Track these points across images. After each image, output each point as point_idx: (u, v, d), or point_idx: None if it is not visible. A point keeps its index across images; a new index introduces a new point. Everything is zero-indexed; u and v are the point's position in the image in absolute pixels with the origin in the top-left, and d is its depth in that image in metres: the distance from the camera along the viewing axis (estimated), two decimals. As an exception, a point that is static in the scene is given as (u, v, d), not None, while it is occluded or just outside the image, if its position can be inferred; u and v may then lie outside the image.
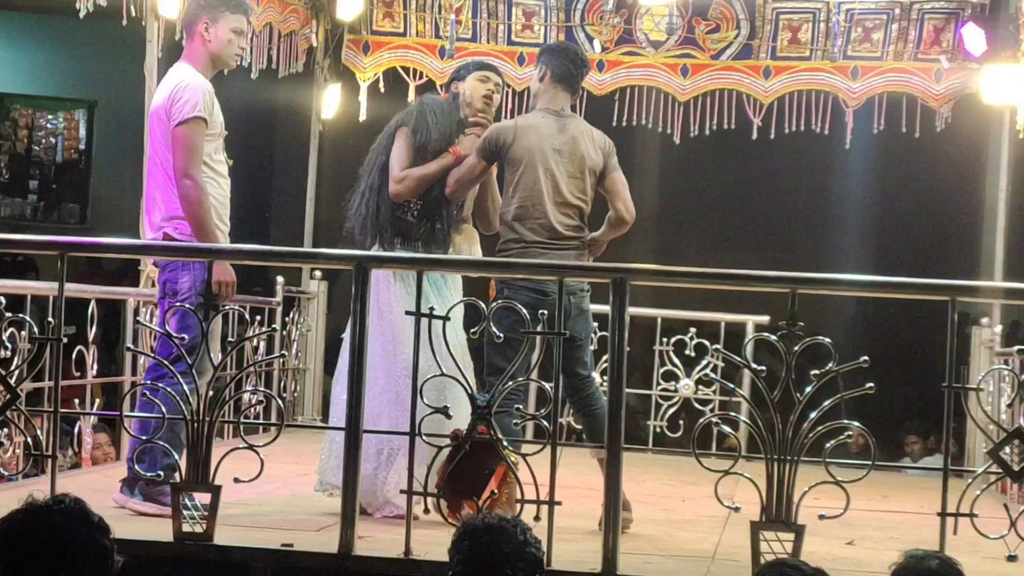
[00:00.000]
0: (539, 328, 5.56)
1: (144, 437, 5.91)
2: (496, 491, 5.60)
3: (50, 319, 5.75)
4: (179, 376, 5.67)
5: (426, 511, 5.54)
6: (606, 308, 5.62)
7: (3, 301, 6.15)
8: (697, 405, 10.00)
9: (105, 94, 15.59)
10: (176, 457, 5.75)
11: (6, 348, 6.59)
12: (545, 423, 5.56)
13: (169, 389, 5.66)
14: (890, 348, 14.76)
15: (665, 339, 10.20)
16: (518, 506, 5.46)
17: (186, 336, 5.84)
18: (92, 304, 7.65)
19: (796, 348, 5.33)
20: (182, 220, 6.46)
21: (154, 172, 6.64)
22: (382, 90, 11.17)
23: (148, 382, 6.03)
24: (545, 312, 5.58)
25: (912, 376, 14.08)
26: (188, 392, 5.59)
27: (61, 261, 5.72)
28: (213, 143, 6.62)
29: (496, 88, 7.25)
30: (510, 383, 5.72)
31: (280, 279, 10.39)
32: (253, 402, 8.61)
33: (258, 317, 9.66)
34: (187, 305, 5.94)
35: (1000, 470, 5.50)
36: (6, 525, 3.21)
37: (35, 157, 17.00)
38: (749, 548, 5.36)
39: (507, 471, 5.63)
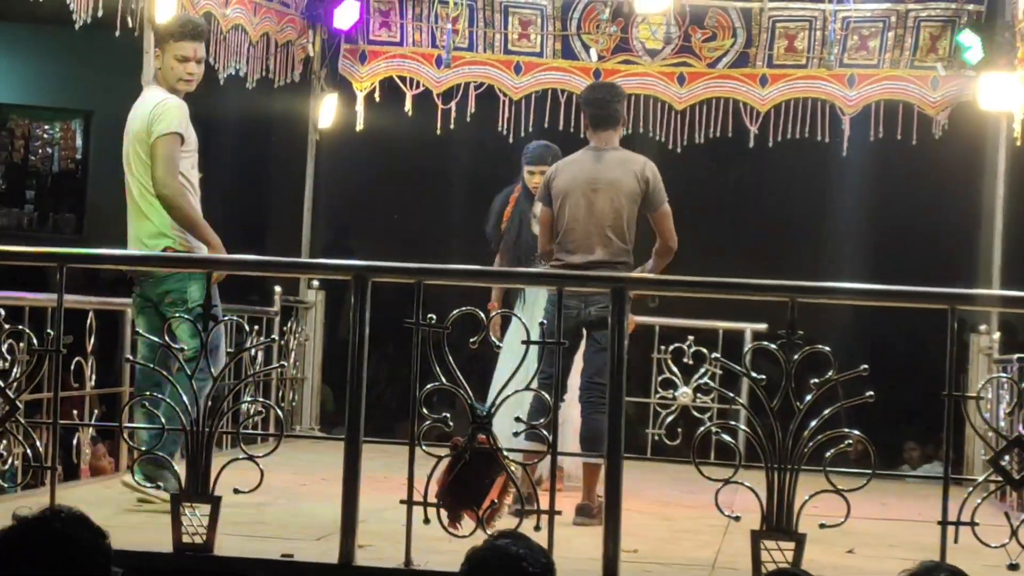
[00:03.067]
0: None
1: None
2: (496, 501, 5.60)
3: (49, 330, 5.75)
4: (178, 386, 5.67)
5: (426, 521, 5.53)
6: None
7: (2, 313, 6.13)
8: (695, 413, 9.98)
9: (101, 104, 15.59)
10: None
11: (5, 360, 6.60)
12: (545, 432, 5.57)
13: (169, 401, 5.69)
14: (888, 355, 14.75)
15: (663, 347, 10.19)
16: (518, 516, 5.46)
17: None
18: (90, 315, 7.65)
19: (796, 357, 5.33)
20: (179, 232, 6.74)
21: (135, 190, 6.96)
22: (378, 100, 11.17)
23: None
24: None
25: (910, 383, 14.07)
26: (188, 402, 5.59)
27: (60, 272, 5.72)
28: (189, 159, 6.97)
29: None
30: (509, 392, 5.72)
31: (278, 289, 10.39)
32: (252, 412, 8.60)
33: (256, 327, 9.65)
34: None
35: (1000, 478, 5.50)
36: (6, 535, 3.20)
37: (31, 167, 17.02)
38: (750, 557, 5.36)
39: (507, 481, 5.62)
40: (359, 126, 11.16)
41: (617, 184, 7.38)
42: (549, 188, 7.53)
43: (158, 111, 6.91)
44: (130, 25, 8.56)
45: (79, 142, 16.72)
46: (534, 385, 5.75)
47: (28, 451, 6.00)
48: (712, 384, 8.96)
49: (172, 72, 7.06)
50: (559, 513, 5.46)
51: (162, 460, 6.03)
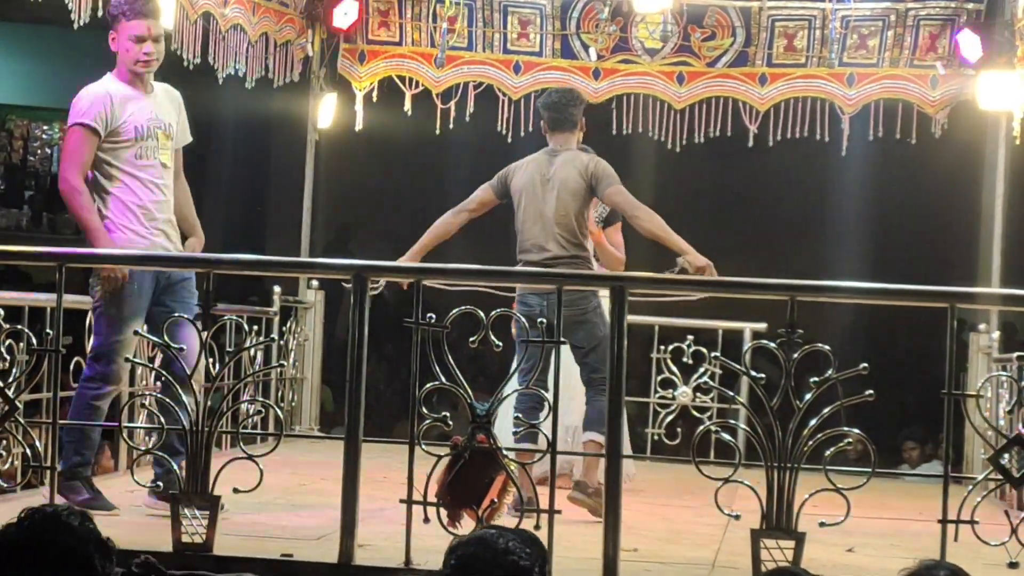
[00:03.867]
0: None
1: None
2: (496, 500, 5.59)
3: (48, 330, 5.75)
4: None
5: (426, 520, 5.53)
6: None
7: (1, 312, 6.13)
8: (695, 412, 9.98)
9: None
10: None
11: (4, 359, 6.60)
12: (544, 431, 5.58)
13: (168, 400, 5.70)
14: (887, 354, 14.77)
15: (663, 347, 10.19)
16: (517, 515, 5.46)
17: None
18: (89, 315, 7.64)
19: (795, 355, 5.33)
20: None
21: None
22: (377, 99, 11.16)
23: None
24: (544, 321, 5.71)
25: (909, 382, 14.09)
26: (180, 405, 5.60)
27: (59, 272, 5.72)
28: (129, 149, 6.77)
29: None
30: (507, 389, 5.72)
31: (277, 288, 10.37)
32: (251, 412, 8.60)
33: (255, 327, 9.64)
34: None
35: (1000, 477, 5.50)
36: (6, 532, 3.19)
37: (30, 168, 17.03)
38: (750, 556, 5.36)
39: (507, 480, 5.62)
40: (358, 126, 11.15)
41: (564, 182, 7.55)
42: (505, 182, 7.74)
43: (74, 100, 6.76)
44: (129, 25, 8.56)
45: (78, 143, 16.72)
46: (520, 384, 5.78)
47: (27, 451, 6.00)
48: (712, 383, 8.97)
49: (128, 55, 6.72)
50: (559, 512, 5.46)
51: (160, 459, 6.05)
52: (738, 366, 5.64)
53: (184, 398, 5.62)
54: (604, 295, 7.08)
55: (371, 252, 8.50)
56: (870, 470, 5.47)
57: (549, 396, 5.70)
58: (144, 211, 6.72)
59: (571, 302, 7.08)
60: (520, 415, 6.40)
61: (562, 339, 5.76)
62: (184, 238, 6.94)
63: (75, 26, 8.33)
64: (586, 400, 7.52)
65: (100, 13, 8.32)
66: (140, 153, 6.76)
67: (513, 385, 5.87)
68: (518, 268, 6.98)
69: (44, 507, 3.28)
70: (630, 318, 5.65)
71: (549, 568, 3.65)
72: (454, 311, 5.57)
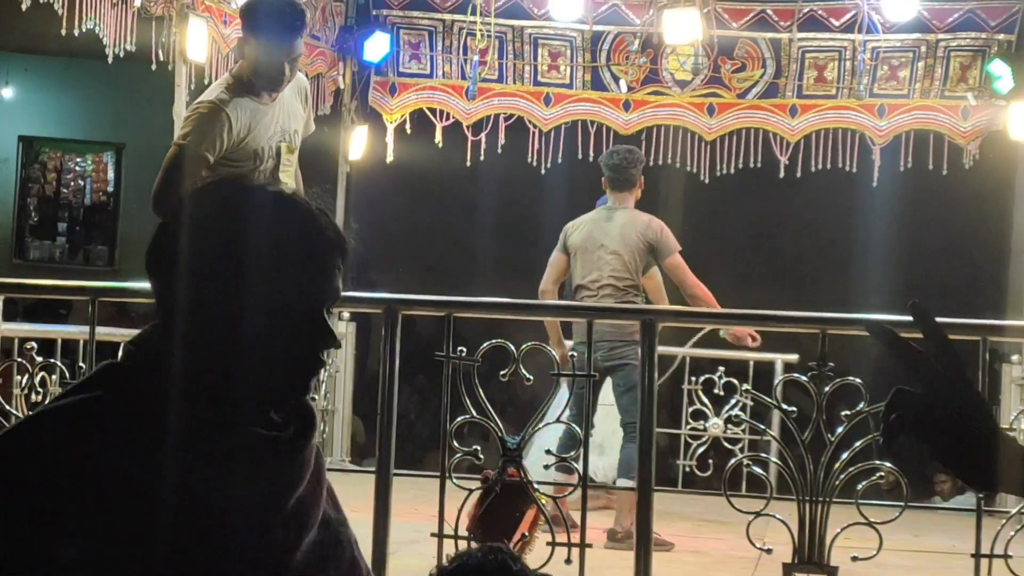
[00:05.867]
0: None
1: None
2: (527, 534, 5.59)
3: (81, 363, 5.77)
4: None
5: (457, 554, 5.52)
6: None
7: (35, 346, 6.15)
8: (726, 444, 9.95)
9: (133, 137, 15.68)
10: None
11: (38, 392, 6.62)
12: (576, 465, 5.58)
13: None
14: (919, 385, 14.67)
15: (694, 378, 10.17)
16: (549, 549, 5.45)
17: None
18: (121, 347, 7.66)
19: (827, 389, 5.32)
20: None
21: None
22: (408, 131, 11.20)
23: None
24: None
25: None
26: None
27: (92, 306, 5.75)
28: (242, 167, 6.27)
29: None
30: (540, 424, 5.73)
31: (308, 320, 10.38)
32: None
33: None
34: None
35: (1034, 510, 5.48)
36: None
37: (64, 200, 17.10)
38: (781, 590, 5.34)
39: (538, 514, 5.62)
40: (389, 158, 11.19)
41: (624, 240, 8.00)
42: (565, 240, 8.20)
43: (191, 109, 6.17)
44: (162, 59, 8.63)
45: (111, 175, 16.81)
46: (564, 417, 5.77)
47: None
48: (743, 416, 8.94)
49: (259, 68, 6.09)
50: (590, 546, 5.45)
51: None
52: (770, 399, 5.63)
53: None
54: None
55: (401, 284, 8.53)
56: (903, 503, 5.45)
57: (581, 431, 5.71)
58: None
59: (613, 349, 7.55)
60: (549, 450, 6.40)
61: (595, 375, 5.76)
62: None
63: (109, 59, 8.39)
64: (622, 444, 7.69)
65: (133, 47, 8.40)
66: (259, 177, 6.15)
67: (550, 420, 5.88)
68: (547, 301, 6.99)
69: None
70: (661, 349, 5.65)
71: None
72: (484, 344, 5.57)
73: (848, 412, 5.32)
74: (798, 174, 10.88)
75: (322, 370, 2.28)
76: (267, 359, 2.19)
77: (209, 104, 6.05)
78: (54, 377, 6.49)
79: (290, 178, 6.40)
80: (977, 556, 5.33)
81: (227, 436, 2.16)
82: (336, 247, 2.29)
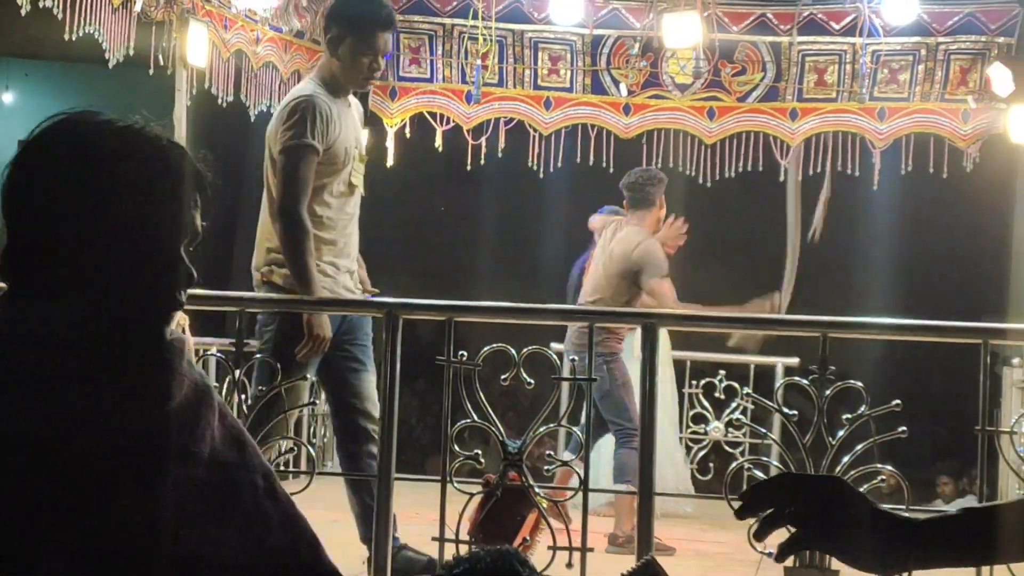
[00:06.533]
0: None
1: None
2: (528, 538, 5.59)
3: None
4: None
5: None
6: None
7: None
8: (727, 448, 9.96)
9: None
10: None
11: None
12: (577, 469, 5.58)
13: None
14: (920, 388, 14.70)
15: (694, 381, 10.18)
16: (550, 553, 5.46)
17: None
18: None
19: (828, 392, 5.32)
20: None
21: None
22: (409, 135, 11.20)
23: None
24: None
25: (942, 416, 14.03)
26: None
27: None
28: (340, 173, 6.34)
29: None
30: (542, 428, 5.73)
31: (310, 325, 10.37)
32: (284, 450, 8.61)
33: (288, 363, 9.65)
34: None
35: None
36: None
37: (64, 205, 17.09)
38: (783, 594, 5.34)
39: (540, 518, 5.62)
40: (390, 162, 11.18)
41: (611, 258, 8.38)
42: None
43: (284, 112, 6.13)
44: (162, 64, 8.63)
45: (111, 179, 16.83)
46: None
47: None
48: (744, 419, 8.96)
49: (353, 66, 6.19)
50: (591, 550, 5.45)
51: None
52: (770, 403, 5.62)
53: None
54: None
55: (402, 288, 8.52)
56: (904, 506, 5.45)
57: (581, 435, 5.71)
58: (335, 248, 6.37)
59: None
60: (550, 453, 6.42)
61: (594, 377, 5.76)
62: None
63: (109, 65, 8.39)
64: (613, 452, 7.78)
65: (133, 52, 8.39)
66: (342, 179, 6.34)
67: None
68: (547, 306, 6.98)
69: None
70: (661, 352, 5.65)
71: None
72: (486, 348, 5.57)
73: (849, 416, 5.32)
74: (799, 178, 10.87)
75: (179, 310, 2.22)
76: (120, 296, 2.16)
77: (307, 97, 6.08)
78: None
79: (361, 185, 6.39)
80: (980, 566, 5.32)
81: (80, 368, 2.11)
82: (190, 181, 2.26)
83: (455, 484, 5.52)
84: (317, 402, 10.15)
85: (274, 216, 6.01)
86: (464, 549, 5.49)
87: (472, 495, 5.56)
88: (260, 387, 5.88)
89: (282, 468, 8.24)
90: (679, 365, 10.20)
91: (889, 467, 5.47)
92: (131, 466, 2.09)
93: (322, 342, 6.01)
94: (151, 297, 2.19)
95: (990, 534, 1.97)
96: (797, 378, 5.63)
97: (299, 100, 6.10)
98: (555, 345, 7.93)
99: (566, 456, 7.31)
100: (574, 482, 6.26)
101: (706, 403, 10.10)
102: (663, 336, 7.88)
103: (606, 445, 7.87)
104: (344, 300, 6.39)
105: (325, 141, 6.06)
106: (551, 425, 6.06)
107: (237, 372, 5.72)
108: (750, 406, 9.43)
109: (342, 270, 6.30)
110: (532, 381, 5.66)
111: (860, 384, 5.38)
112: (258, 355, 6.01)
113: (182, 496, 2.14)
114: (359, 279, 6.47)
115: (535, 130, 11.04)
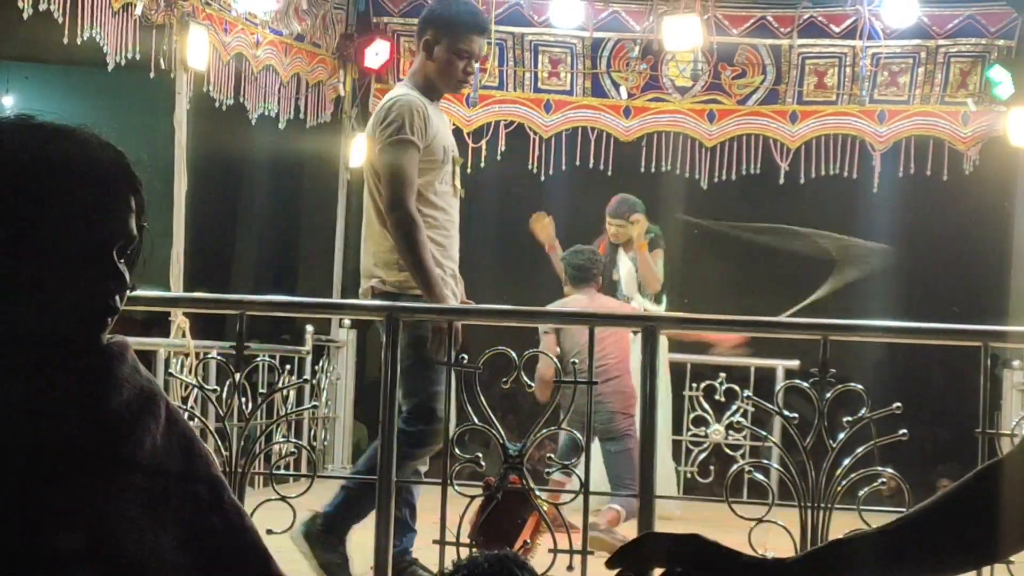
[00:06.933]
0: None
1: None
2: (529, 541, 5.59)
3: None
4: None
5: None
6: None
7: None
8: (728, 451, 9.96)
9: (134, 146, 15.60)
10: None
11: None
12: (577, 472, 5.58)
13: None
14: (920, 390, 14.69)
15: (695, 384, 10.18)
16: (551, 556, 5.45)
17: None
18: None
19: (828, 395, 5.31)
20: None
21: None
22: (408, 138, 11.19)
23: None
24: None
25: (943, 419, 14.01)
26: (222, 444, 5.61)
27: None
28: (438, 172, 6.27)
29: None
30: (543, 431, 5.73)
31: (309, 328, 10.39)
32: (284, 452, 8.62)
33: (288, 366, 9.66)
34: None
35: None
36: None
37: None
38: (783, 596, 5.33)
39: (540, 521, 5.62)
40: (390, 165, 11.18)
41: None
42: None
43: (381, 112, 6.12)
44: (162, 67, 8.64)
45: (112, 183, 16.82)
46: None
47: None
48: (744, 422, 8.95)
49: (449, 68, 6.20)
50: (591, 553, 5.45)
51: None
52: (771, 406, 5.62)
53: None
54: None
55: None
56: (905, 509, 5.44)
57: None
58: (442, 250, 6.27)
59: (612, 422, 7.91)
60: (551, 456, 6.42)
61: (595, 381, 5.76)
62: None
63: (110, 68, 8.39)
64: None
65: (134, 55, 8.40)
66: (443, 178, 6.27)
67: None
68: (547, 309, 6.99)
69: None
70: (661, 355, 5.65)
71: None
72: (487, 351, 5.58)
73: (850, 418, 5.31)
74: (799, 180, 10.89)
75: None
76: (48, 301, 2.11)
77: (402, 96, 6.08)
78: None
79: (458, 186, 6.38)
80: (979, 562, 5.32)
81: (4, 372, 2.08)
82: (123, 182, 2.23)
83: (456, 487, 5.52)
84: (317, 404, 10.16)
85: (384, 213, 6.00)
86: (465, 552, 5.49)
87: (473, 498, 5.55)
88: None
89: (283, 471, 8.26)
90: (679, 368, 10.20)
91: (890, 470, 5.46)
92: (51, 470, 2.06)
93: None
94: (81, 302, 2.14)
95: (859, 564, 2.00)
96: (798, 381, 5.62)
97: (394, 100, 6.11)
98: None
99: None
100: (572, 485, 6.25)
101: (706, 406, 10.09)
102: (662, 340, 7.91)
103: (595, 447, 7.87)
104: (346, 303, 6.39)
105: (424, 138, 6.07)
106: (551, 428, 6.04)
107: (237, 375, 5.71)
108: (750, 409, 9.43)
109: (447, 272, 6.25)
110: (533, 384, 5.66)
111: (861, 387, 5.37)
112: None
113: (111, 501, 2.10)
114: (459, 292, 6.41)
115: (535, 133, 11.05)
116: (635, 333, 8.45)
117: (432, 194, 6.13)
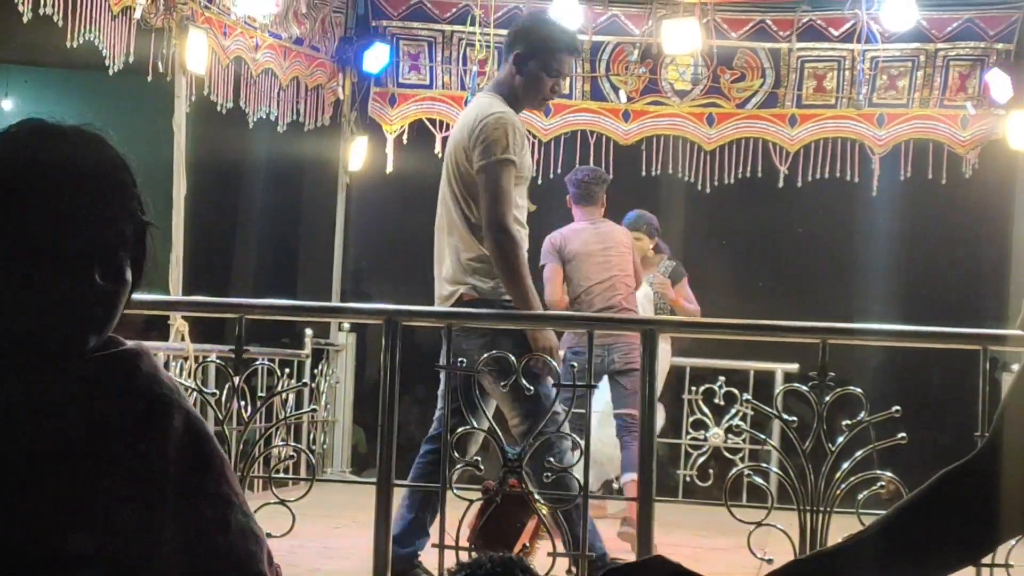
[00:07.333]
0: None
1: None
2: (528, 544, 5.59)
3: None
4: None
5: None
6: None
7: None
8: (727, 454, 9.95)
9: (133, 149, 15.61)
10: None
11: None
12: (576, 475, 5.57)
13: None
14: (919, 394, 14.69)
15: (694, 388, 10.17)
16: (550, 559, 5.45)
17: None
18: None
19: (827, 399, 5.31)
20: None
21: None
22: (408, 142, 11.20)
23: None
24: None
25: (942, 422, 14.02)
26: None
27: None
28: (523, 187, 6.24)
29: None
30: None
31: (309, 331, 10.39)
32: (283, 456, 8.61)
33: (287, 369, 9.66)
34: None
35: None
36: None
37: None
38: (783, 600, 5.33)
39: (539, 524, 5.61)
40: (389, 168, 11.19)
41: (621, 244, 8.40)
42: (560, 250, 8.33)
43: (485, 129, 6.04)
44: (161, 70, 8.64)
45: (111, 186, 16.82)
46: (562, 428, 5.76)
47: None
48: (743, 425, 8.95)
49: (541, 85, 6.16)
50: (591, 556, 5.45)
51: None
52: (770, 409, 5.62)
53: None
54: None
55: (401, 294, 8.54)
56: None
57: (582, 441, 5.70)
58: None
59: (631, 353, 7.70)
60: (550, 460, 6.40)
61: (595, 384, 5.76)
62: None
63: (109, 71, 8.39)
64: (622, 445, 7.73)
65: (133, 59, 8.40)
66: (523, 193, 6.23)
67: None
68: (547, 312, 6.98)
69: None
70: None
71: None
72: (485, 355, 5.57)
73: (849, 422, 5.31)
74: (798, 184, 10.89)
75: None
76: (29, 306, 2.10)
77: (504, 114, 6.05)
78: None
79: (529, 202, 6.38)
80: (978, 566, 5.32)
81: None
82: (111, 187, 2.21)
83: (455, 491, 5.52)
84: (316, 408, 10.16)
85: (484, 230, 5.98)
86: (464, 555, 5.49)
87: (472, 501, 5.55)
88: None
89: (282, 474, 8.27)
90: (679, 371, 10.20)
91: (889, 473, 5.46)
92: (28, 473, 2.04)
93: (550, 352, 5.93)
94: (56, 308, 2.11)
95: None
96: (797, 384, 5.63)
97: (498, 116, 6.05)
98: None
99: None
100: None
101: (706, 409, 10.08)
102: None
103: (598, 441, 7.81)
104: (345, 307, 6.39)
105: (520, 156, 6.07)
106: (550, 431, 6.04)
107: (236, 379, 5.71)
108: (750, 412, 9.41)
109: None
110: (532, 388, 5.65)
111: (860, 390, 5.37)
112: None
113: (100, 506, 2.07)
114: None
115: (534, 136, 11.04)
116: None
117: (517, 210, 6.12)
